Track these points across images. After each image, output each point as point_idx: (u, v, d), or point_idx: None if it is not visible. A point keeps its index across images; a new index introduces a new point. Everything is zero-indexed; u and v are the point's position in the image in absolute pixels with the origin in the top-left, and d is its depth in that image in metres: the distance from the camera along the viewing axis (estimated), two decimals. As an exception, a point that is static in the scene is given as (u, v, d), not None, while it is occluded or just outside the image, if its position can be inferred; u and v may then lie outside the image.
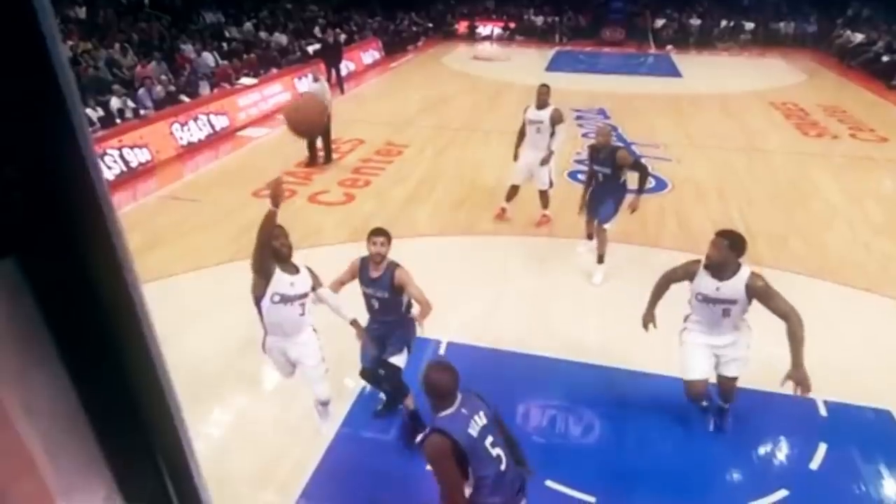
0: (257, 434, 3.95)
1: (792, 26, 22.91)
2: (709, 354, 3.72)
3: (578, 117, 11.98)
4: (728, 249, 3.40)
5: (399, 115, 12.18)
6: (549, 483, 3.54)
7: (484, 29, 25.08)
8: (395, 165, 9.12)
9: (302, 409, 4.01)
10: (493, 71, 17.18)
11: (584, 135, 10.76)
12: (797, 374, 3.24)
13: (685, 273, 3.66)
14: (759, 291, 3.35)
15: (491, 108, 12.13)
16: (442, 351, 4.76)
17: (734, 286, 3.43)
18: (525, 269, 6.03)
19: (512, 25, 24.96)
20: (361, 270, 3.73)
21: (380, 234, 3.63)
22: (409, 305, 3.81)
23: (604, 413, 4.15)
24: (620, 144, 5.17)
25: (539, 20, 25.00)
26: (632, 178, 5.72)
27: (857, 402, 4.09)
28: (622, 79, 16.55)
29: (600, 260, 5.76)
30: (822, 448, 3.80)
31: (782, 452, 3.88)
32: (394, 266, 3.67)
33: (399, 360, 3.80)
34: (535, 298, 5.51)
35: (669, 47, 22.12)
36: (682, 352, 3.80)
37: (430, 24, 24.32)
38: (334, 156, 9.44)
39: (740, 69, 18.61)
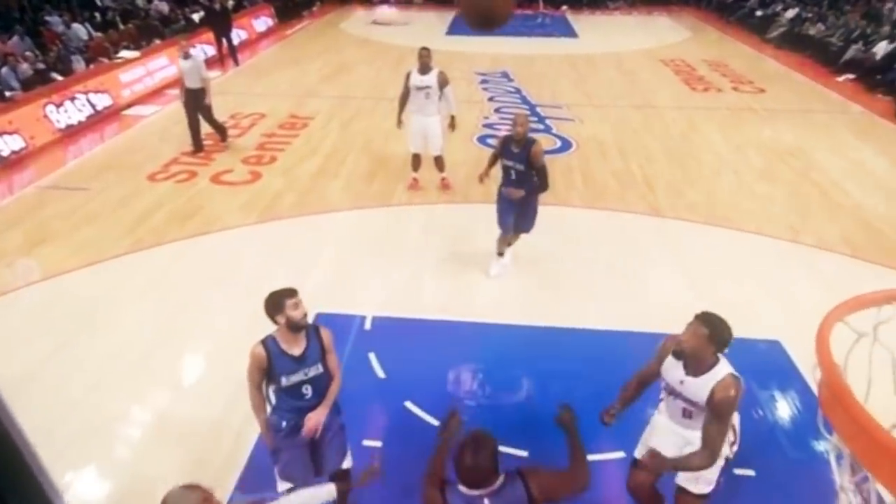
0: (182, 432, 3.77)
1: (675, -15, 23.99)
2: (672, 438, 2.88)
3: (483, 81, 12.05)
4: (706, 340, 2.62)
5: (300, 85, 11.70)
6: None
7: (381, -8, 24.37)
8: (302, 139, 8.80)
9: (224, 402, 3.85)
10: (394, 36, 16.82)
11: (491, 98, 10.87)
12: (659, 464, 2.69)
13: (658, 360, 2.90)
14: (717, 403, 2.54)
15: (395, 75, 11.84)
16: (367, 326, 4.73)
17: (700, 387, 2.61)
18: (443, 236, 6.07)
19: (409, -12, 24.40)
20: (275, 357, 2.71)
21: (294, 294, 2.71)
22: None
23: (529, 371, 4.30)
24: (536, 137, 4.93)
25: (436, -18, 24.59)
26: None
27: (752, 335, 4.51)
28: (522, 40, 16.73)
29: (500, 255, 5.37)
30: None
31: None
32: (320, 331, 2.84)
33: (348, 462, 3.01)
34: (455, 265, 5.56)
35: (564, 8, 22.58)
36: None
37: (325, -12, 23.27)
38: (234, 132, 8.96)
39: (631, 28, 19.38)
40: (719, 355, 2.65)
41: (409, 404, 3.94)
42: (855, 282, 5.18)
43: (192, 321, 4.78)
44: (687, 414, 2.76)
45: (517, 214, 5.01)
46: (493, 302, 5.02)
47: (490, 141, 8.61)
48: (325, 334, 2.84)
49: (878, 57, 12.32)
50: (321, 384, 2.79)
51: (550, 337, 4.62)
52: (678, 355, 2.72)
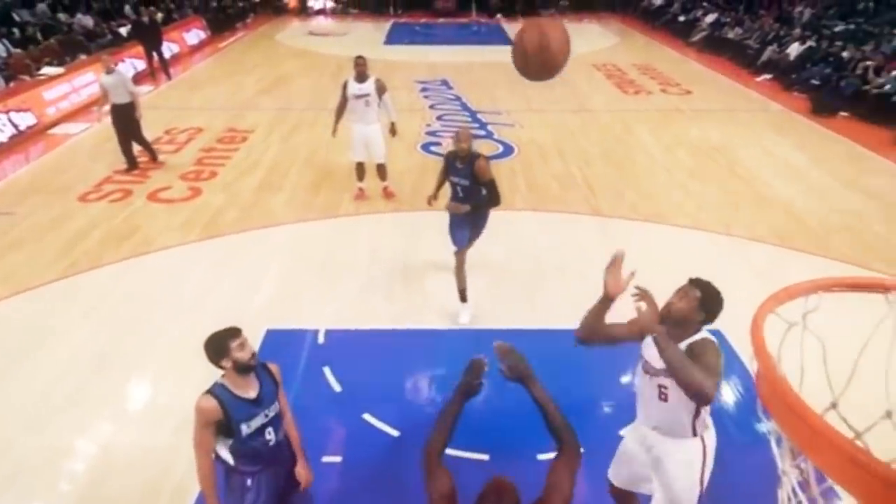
0: (129, 462, 3.61)
1: (603, -8, 25.02)
2: (630, 455, 2.78)
3: (424, 89, 12.14)
4: (697, 306, 2.46)
5: (237, 98, 11.46)
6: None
7: (316, 2, 24.24)
8: (242, 153, 8.61)
9: (172, 427, 3.71)
10: (332, 46, 16.71)
11: (432, 106, 10.96)
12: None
13: (638, 330, 2.66)
14: (698, 354, 2.35)
15: (335, 86, 11.76)
16: (321, 340, 4.67)
17: None
18: (392, 245, 6.07)
19: (344, -2, 24.38)
20: (229, 405, 2.45)
21: (238, 334, 2.50)
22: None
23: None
24: (480, 152, 4.74)
25: (372, -8, 24.68)
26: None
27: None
28: (459, 48, 16.98)
29: (463, 297, 4.94)
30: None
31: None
32: (268, 367, 2.66)
33: None
34: (406, 274, 5.57)
35: (499, 16, 23.06)
36: None
37: (258, 0, 22.96)
38: (170, 147, 8.68)
39: (564, 35, 19.90)
40: (704, 328, 2.47)
41: (367, 416, 3.90)
42: (784, 269, 5.55)
43: (133, 346, 4.59)
44: (663, 396, 2.52)
45: (471, 228, 4.83)
46: (445, 309, 5.05)
47: (434, 148, 8.69)
48: (275, 369, 2.67)
49: (792, 57, 13.18)
50: (279, 423, 2.62)
51: (503, 339, 4.68)
52: (664, 320, 2.46)
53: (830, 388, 1.19)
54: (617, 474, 2.94)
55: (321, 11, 24.01)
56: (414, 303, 5.18)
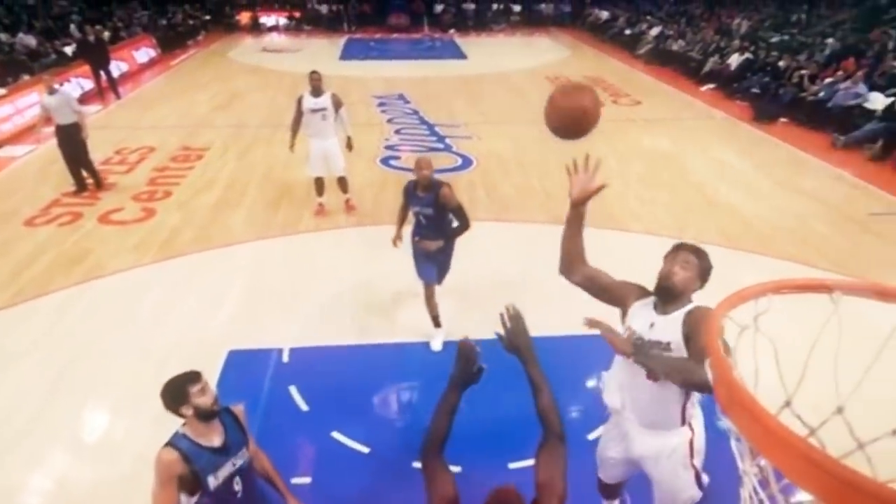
0: (87, 495, 3.47)
1: (551, 7, 25.77)
2: (616, 461, 2.69)
3: (381, 104, 12.18)
4: (696, 272, 2.34)
5: (191, 116, 11.26)
6: (416, 465, 3.68)
7: (269, 19, 24.08)
8: (197, 171, 8.45)
9: (132, 458, 3.59)
10: (286, 63, 16.62)
11: (390, 120, 11.01)
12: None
13: (622, 296, 2.52)
14: (694, 326, 2.19)
15: (291, 102, 11.73)
16: (286, 359, 4.60)
17: (671, 322, 2.28)
18: (355, 260, 6.05)
19: (297, 15, 24.34)
20: (193, 456, 2.28)
21: (198, 378, 2.32)
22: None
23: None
24: (443, 180, 4.58)
25: (324, 9, 24.72)
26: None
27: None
28: (414, 63, 17.13)
29: (436, 323, 4.81)
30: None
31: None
32: (232, 411, 2.49)
33: None
34: (370, 288, 5.56)
35: (452, 31, 23.40)
36: None
37: (208, 17, 22.66)
38: (122, 167, 8.45)
39: (515, 48, 20.41)
40: (692, 297, 2.36)
41: (336, 434, 3.86)
42: (735, 269, 5.72)
43: (88, 374, 4.42)
44: (652, 373, 2.33)
45: (439, 263, 4.66)
46: (412, 321, 5.05)
47: (393, 162, 8.73)
48: (240, 411, 2.50)
49: (733, 68, 13.80)
50: (248, 472, 2.44)
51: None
52: (663, 292, 2.33)
53: (784, 388, 1.26)
54: (607, 477, 2.87)
55: (274, 28, 23.85)
56: (379, 317, 5.17)
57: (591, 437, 3.75)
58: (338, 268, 5.91)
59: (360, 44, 20.88)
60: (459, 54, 18.92)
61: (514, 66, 16.47)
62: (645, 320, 2.37)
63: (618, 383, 2.55)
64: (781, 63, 12.67)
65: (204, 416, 2.30)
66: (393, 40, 21.99)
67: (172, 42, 18.36)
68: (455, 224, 4.55)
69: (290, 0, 25.13)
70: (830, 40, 13.75)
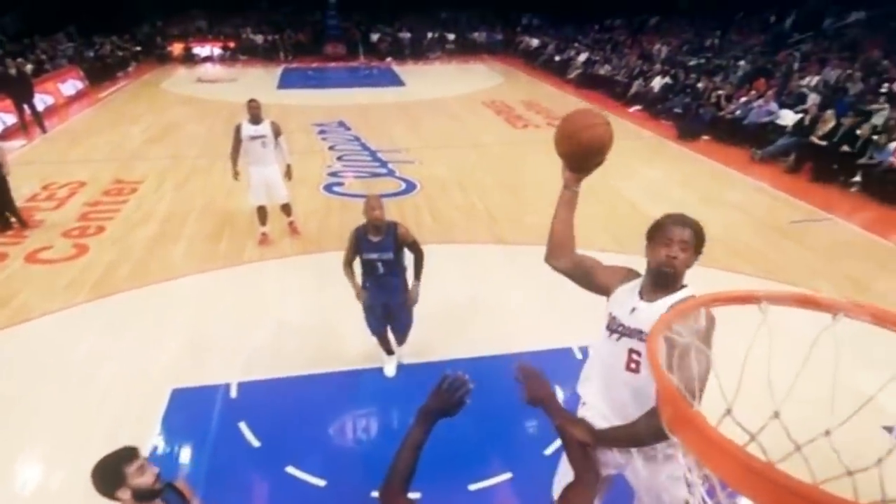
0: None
1: (484, 36, 26.58)
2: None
3: (321, 131, 12.18)
4: (694, 250, 2.13)
5: (124, 149, 10.90)
6: (374, 494, 3.65)
7: (202, 50, 23.71)
8: (132, 205, 8.17)
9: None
10: (223, 92, 16.39)
11: (331, 147, 11.01)
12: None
13: (605, 283, 2.33)
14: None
15: (230, 131, 11.61)
16: (233, 394, 4.48)
17: (657, 311, 1.91)
18: (302, 288, 5.98)
19: (232, 45, 24.09)
20: None
21: (135, 455, 2.11)
22: None
23: (408, 410, 4.36)
24: (395, 220, 4.31)
25: (259, 38, 24.58)
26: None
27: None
28: (353, 91, 17.25)
29: (389, 351, 4.74)
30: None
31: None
32: (176, 486, 2.27)
33: None
34: (318, 316, 5.50)
35: (389, 59, 23.73)
36: None
37: (139, 48, 22.10)
38: (50, 203, 8.06)
39: (451, 75, 20.91)
40: (686, 283, 2.13)
41: (290, 469, 3.76)
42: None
43: (15, 426, 4.15)
44: (633, 365, 2.10)
45: (394, 317, 4.43)
46: (363, 347, 5.02)
47: (337, 189, 8.72)
48: (183, 486, 2.27)
49: (656, 90, 14.62)
50: None
51: (423, 373, 4.71)
52: (662, 279, 2.09)
53: (724, 397, 1.28)
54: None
55: (208, 58, 23.49)
56: (330, 345, 5.11)
57: (548, 452, 3.83)
58: (284, 297, 5.83)
59: (297, 73, 20.84)
60: (398, 81, 19.18)
61: (452, 93, 16.85)
62: (626, 306, 2.15)
63: (596, 374, 2.33)
64: (700, 84, 13.52)
65: (144, 497, 2.04)
66: (331, 69, 22.07)
67: (101, 74, 17.80)
68: (410, 258, 4.29)
69: (224, 30, 24.86)
70: (742, 62, 14.83)
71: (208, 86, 17.85)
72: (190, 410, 4.27)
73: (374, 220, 4.03)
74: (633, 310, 2.12)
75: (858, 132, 9.18)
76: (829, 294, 2.21)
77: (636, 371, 2.11)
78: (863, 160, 8.91)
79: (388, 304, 4.36)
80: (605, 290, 2.33)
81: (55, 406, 4.30)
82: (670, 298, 2.07)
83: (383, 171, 9.62)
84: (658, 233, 2.17)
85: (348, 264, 4.28)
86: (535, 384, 2.04)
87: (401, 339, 4.68)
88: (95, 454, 2.17)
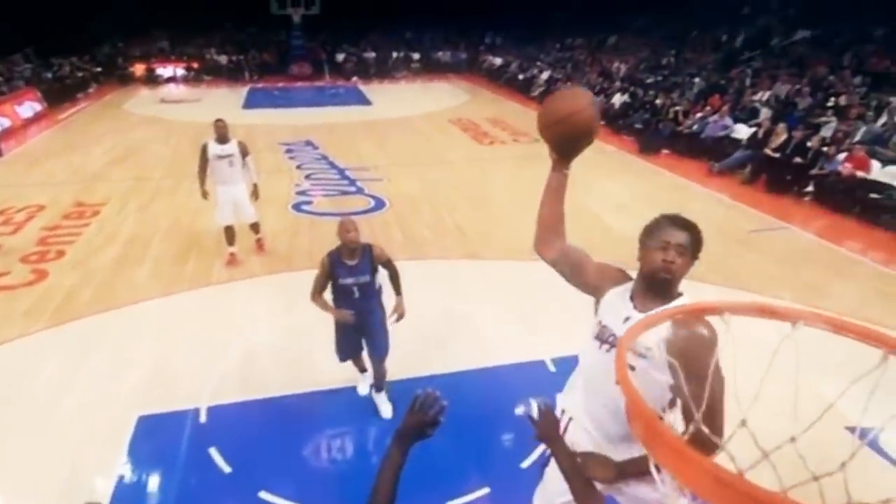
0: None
1: (448, 55, 26.98)
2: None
3: (289, 150, 12.12)
4: (691, 255, 1.97)
5: (84, 171, 10.65)
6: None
7: (165, 71, 23.42)
8: (94, 228, 7.97)
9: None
10: (188, 113, 16.19)
11: (299, 166, 10.96)
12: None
13: (597, 284, 2.18)
14: (681, 350, 1.72)
15: (195, 151, 11.46)
16: (203, 419, 4.38)
17: None
18: (272, 308, 5.91)
19: (195, 66, 23.86)
20: None
21: None
22: None
23: (384, 428, 4.31)
24: (368, 242, 4.18)
25: (223, 59, 24.42)
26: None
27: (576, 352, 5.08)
28: (320, 110, 17.24)
29: (380, 388, 4.50)
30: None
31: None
32: None
33: None
34: (289, 336, 5.44)
35: (355, 78, 23.83)
36: None
37: (99, 69, 21.70)
38: (7, 228, 7.82)
39: (417, 94, 21.12)
40: (682, 291, 1.98)
41: (263, 494, 3.67)
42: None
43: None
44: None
45: (370, 339, 4.25)
46: (335, 367, 4.97)
47: (305, 207, 8.68)
48: None
49: (617, 106, 15.02)
50: None
51: (399, 390, 4.69)
52: (658, 287, 1.95)
53: (694, 409, 1.27)
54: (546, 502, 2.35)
55: (171, 79, 23.19)
56: (301, 365, 5.05)
57: (525, 465, 3.85)
58: (254, 318, 5.75)
59: (263, 92, 20.74)
60: (364, 100, 19.25)
61: (418, 111, 17.00)
62: (619, 315, 1.98)
63: (581, 385, 2.18)
64: (658, 101, 13.96)
65: None
66: (297, 88, 22.03)
67: (60, 95, 17.40)
68: (384, 278, 4.21)
69: (187, 51, 24.61)
70: (697, 79, 15.36)
71: (172, 106, 17.62)
72: (157, 437, 4.16)
73: (349, 243, 3.91)
74: (627, 319, 1.96)
75: (809, 144, 9.61)
76: (790, 301, 2.29)
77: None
78: (814, 171, 9.32)
79: (362, 327, 4.17)
80: (593, 291, 2.19)
81: (15, 437, 4.14)
82: (667, 308, 1.89)
83: (352, 189, 9.62)
84: (653, 235, 2.01)
85: (319, 293, 4.05)
86: (547, 423, 2.04)
87: (378, 364, 4.34)
88: (59, 487, 2.10)
